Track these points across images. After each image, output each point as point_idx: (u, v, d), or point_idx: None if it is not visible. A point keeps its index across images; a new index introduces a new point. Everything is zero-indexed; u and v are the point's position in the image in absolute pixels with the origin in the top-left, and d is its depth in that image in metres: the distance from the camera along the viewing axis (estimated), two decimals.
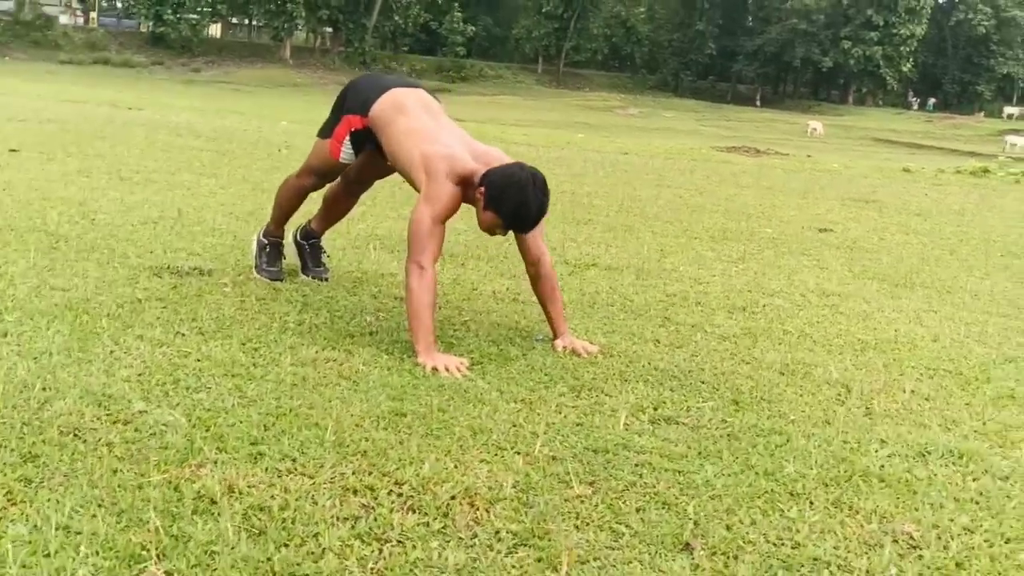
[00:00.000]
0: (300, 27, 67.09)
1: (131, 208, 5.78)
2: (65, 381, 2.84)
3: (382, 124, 3.84)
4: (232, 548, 2.01)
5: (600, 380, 3.42)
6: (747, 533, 2.32)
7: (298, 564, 1.98)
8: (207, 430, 2.59)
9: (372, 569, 2.00)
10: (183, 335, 3.44)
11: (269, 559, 1.98)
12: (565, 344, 3.81)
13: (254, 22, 69.46)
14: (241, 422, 2.66)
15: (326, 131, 4.09)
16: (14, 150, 8.11)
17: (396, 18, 67.06)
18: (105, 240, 4.81)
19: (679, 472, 2.65)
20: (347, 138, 3.97)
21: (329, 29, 67.99)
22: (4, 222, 4.98)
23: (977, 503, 2.62)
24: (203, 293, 4.04)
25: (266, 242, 4.48)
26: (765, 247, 6.77)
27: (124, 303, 3.74)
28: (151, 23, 62.83)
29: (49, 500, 2.12)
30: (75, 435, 2.47)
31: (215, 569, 1.93)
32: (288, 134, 12.15)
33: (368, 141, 3.94)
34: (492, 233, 3.71)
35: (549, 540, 2.19)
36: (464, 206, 3.75)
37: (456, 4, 67.64)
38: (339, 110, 4.05)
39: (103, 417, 2.61)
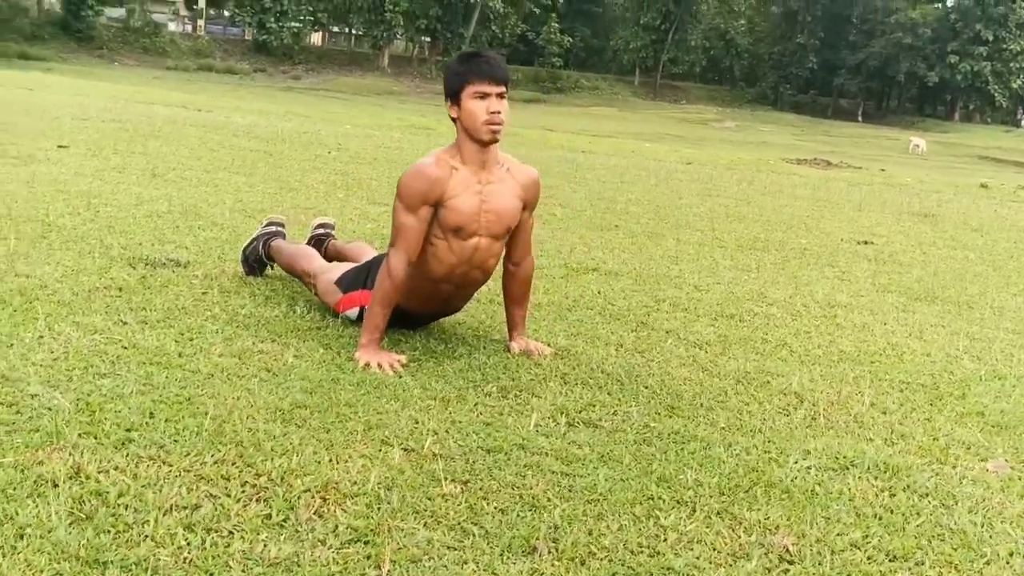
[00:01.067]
0: (399, 36, 67.92)
1: (143, 203, 5.85)
2: None
3: None
4: (47, 532, 1.97)
5: (537, 381, 3.33)
6: (606, 539, 2.21)
7: (108, 550, 1.94)
8: (90, 415, 2.56)
9: (184, 559, 1.95)
10: (124, 323, 3.44)
11: (80, 544, 1.94)
12: (519, 345, 3.72)
13: (354, 31, 70.45)
14: (128, 409, 2.64)
15: (343, 284, 3.87)
16: (63, 146, 8.30)
17: (493, 28, 67.43)
18: (97, 232, 4.86)
19: (566, 475, 2.55)
20: (358, 310, 3.76)
21: (427, 38, 68.65)
22: (5, 211, 5.07)
23: (879, 518, 2.47)
24: (168, 284, 4.05)
25: (262, 255, 4.39)
26: (791, 257, 6.58)
27: (81, 291, 3.76)
28: (255, 31, 64.22)
29: None
30: None
31: (18, 552, 1.90)
32: (345, 137, 12.26)
33: None
34: (494, 114, 3.40)
35: (387, 537, 2.11)
36: None
37: (554, 15, 67.76)
38: (364, 278, 3.80)
39: None
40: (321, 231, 4.48)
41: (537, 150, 13.68)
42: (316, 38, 73.50)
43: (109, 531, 2.01)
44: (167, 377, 2.94)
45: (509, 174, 3.61)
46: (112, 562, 1.91)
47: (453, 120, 3.50)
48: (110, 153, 8.20)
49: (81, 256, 4.35)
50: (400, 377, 3.22)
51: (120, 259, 4.37)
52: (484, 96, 3.40)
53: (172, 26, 67.58)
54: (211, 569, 1.93)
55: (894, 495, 2.65)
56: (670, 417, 3.12)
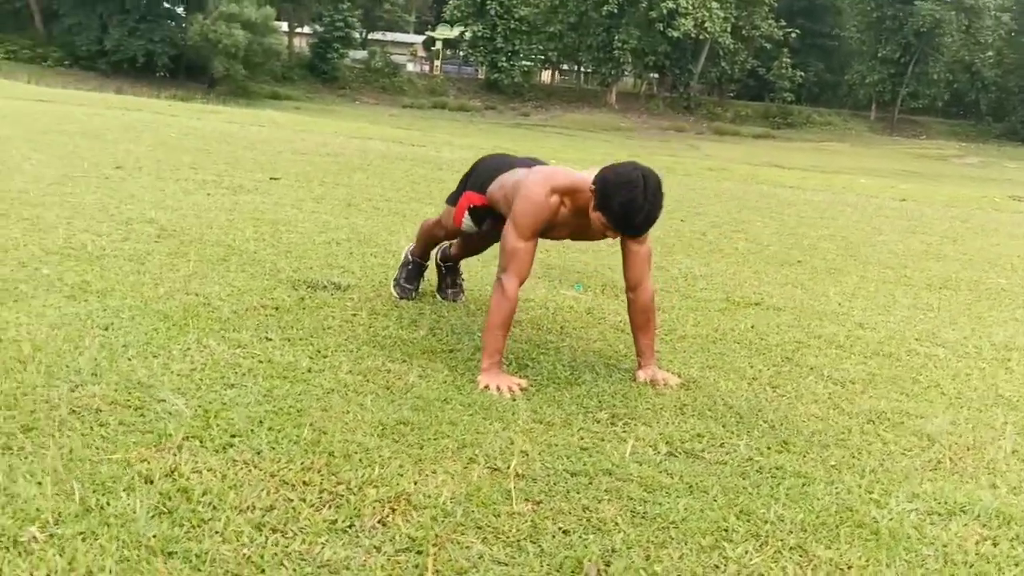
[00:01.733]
0: (627, 73, 68.30)
1: (327, 230, 6.17)
2: (116, 369, 3.12)
3: (497, 199, 3.94)
4: (128, 522, 2.15)
5: (652, 410, 3.33)
6: (660, 565, 2.21)
7: (177, 542, 2.10)
8: (204, 421, 2.76)
9: (244, 555, 2.08)
10: (268, 339, 3.66)
11: (154, 535, 2.11)
12: (646, 375, 3.72)
13: (583, 68, 71.35)
14: (240, 417, 2.82)
15: (451, 200, 4.25)
16: (275, 178, 8.83)
17: (723, 64, 66.82)
18: (273, 256, 5.16)
19: (644, 502, 2.55)
20: (467, 212, 4.09)
21: (655, 75, 68.71)
22: (199, 236, 5.47)
23: (970, 565, 2.35)
24: (323, 306, 4.27)
25: (411, 260, 4.67)
26: (982, 298, 6.24)
27: (239, 310, 4.03)
28: (487, 70, 66.15)
29: (5, 465, 2.36)
30: (78, 414, 2.72)
31: (96, 538, 2.08)
32: None
33: (489, 216, 4.06)
34: (603, 235, 3.61)
35: (440, 549, 2.18)
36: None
37: (785, 50, 66.46)
38: (463, 184, 4.21)
39: (120, 402, 2.85)
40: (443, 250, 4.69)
41: (741, 184, 13.50)
42: (546, 76, 74.90)
43: (183, 525, 2.17)
44: (288, 390, 3.12)
45: None
46: (176, 553, 2.06)
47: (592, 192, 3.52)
48: (315, 185, 8.66)
49: (252, 278, 4.64)
50: (514, 400, 3.28)
51: (286, 281, 4.63)
52: (608, 231, 3.54)
53: (410, 66, 70.48)
54: (264, 566, 2.05)
55: (996, 544, 2.51)
56: (780, 452, 3.05)
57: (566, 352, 3.99)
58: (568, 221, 3.69)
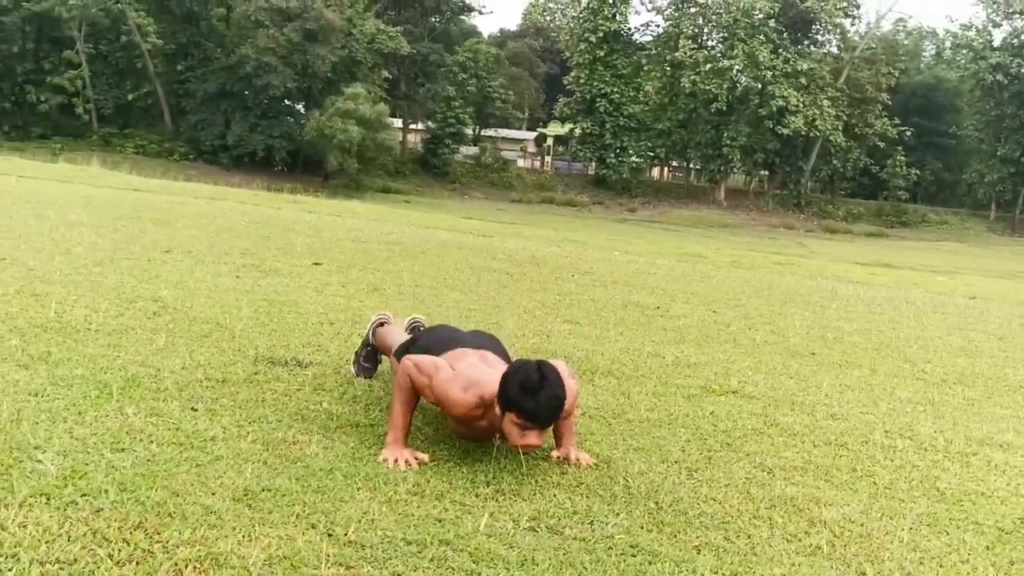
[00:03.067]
0: (736, 170, 68.18)
1: (329, 311, 6.32)
2: (14, 431, 3.26)
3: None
4: None
5: (538, 488, 3.34)
6: None
7: None
8: (64, 481, 2.87)
9: None
10: (193, 410, 3.78)
11: None
12: (561, 453, 3.74)
13: (692, 165, 71.50)
14: (108, 478, 2.92)
15: (399, 354, 4.24)
16: (317, 263, 9.08)
17: (835, 162, 66.25)
18: (255, 334, 5.31)
19: (463, 571, 2.56)
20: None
21: (765, 172, 68.44)
22: (194, 314, 5.66)
23: None
24: (271, 380, 4.38)
25: (372, 341, 4.75)
26: (994, 394, 6.05)
27: (184, 382, 4.17)
28: (595, 166, 66.89)
29: None
30: None
31: None
32: (600, 262, 12.50)
33: None
34: (525, 444, 3.46)
35: None
36: None
37: (900, 148, 65.60)
38: (408, 346, 4.24)
39: None
40: (415, 322, 4.72)
41: (802, 279, 13.33)
42: (655, 172, 75.28)
43: None
44: (173, 456, 3.22)
45: None
46: None
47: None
48: (354, 270, 8.88)
49: (219, 353, 4.78)
50: (403, 474, 3.32)
51: (250, 357, 4.76)
52: (526, 430, 3.44)
53: (520, 162, 71.73)
54: None
55: None
56: (649, 532, 3.03)
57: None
58: (476, 426, 3.68)
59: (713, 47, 65.62)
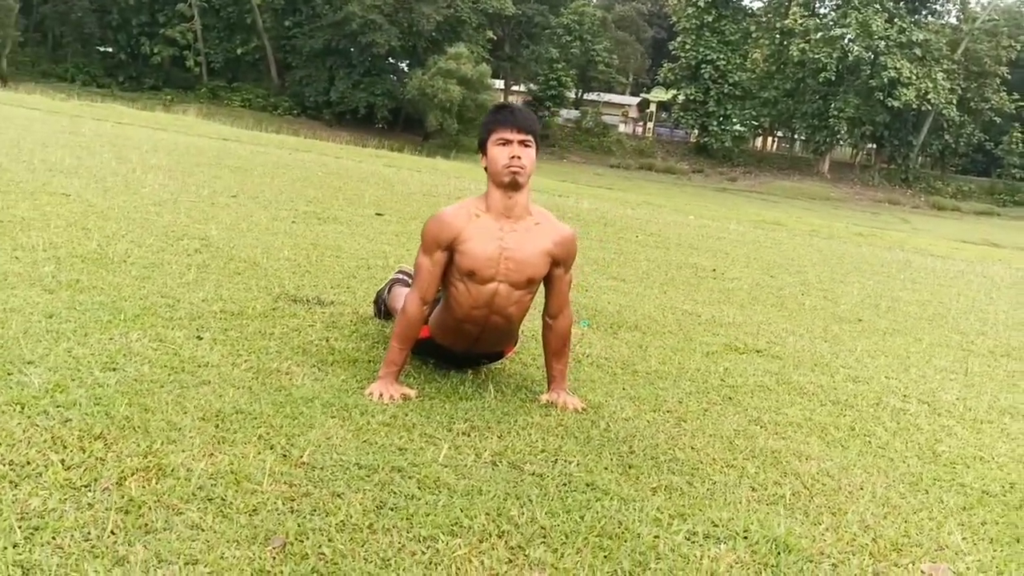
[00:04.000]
0: (842, 142, 66.58)
1: (370, 257, 6.42)
2: (12, 347, 3.40)
3: None
4: None
5: (513, 428, 3.36)
6: (344, 547, 2.27)
7: None
8: (44, 392, 3.00)
9: None
10: (198, 339, 3.89)
11: None
12: (550, 397, 3.76)
13: (797, 136, 70.08)
14: (85, 394, 3.04)
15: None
16: (379, 214, 9.21)
17: (947, 137, 64.18)
18: (287, 274, 5.42)
19: (403, 496, 2.62)
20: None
21: (872, 145, 66.75)
22: (234, 253, 5.80)
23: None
24: (284, 316, 4.48)
25: (385, 297, 4.76)
26: None
27: (198, 313, 4.28)
28: (697, 133, 66.06)
29: None
30: None
31: None
32: (670, 225, 12.40)
33: None
34: (512, 160, 3.53)
35: (150, 510, 2.32)
36: None
37: (1017, 124, 63.27)
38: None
39: None
40: (402, 276, 4.73)
41: (879, 251, 13.03)
42: (758, 142, 74.01)
43: None
44: (159, 377, 3.32)
45: (539, 227, 3.68)
46: None
47: (485, 170, 3.66)
48: (415, 222, 8.95)
49: (244, 290, 4.90)
50: (381, 408, 3.37)
51: (274, 295, 4.87)
52: (506, 143, 3.54)
53: (621, 127, 71.16)
54: None
55: (747, 568, 2.43)
56: (610, 472, 3.04)
57: (503, 374, 4.05)
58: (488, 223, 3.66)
59: (825, 15, 63.96)
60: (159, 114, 25.79)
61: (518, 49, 67.08)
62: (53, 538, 2.14)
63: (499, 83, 65.76)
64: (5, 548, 2.07)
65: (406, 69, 61.85)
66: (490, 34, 62.52)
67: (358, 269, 5.95)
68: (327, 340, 4.17)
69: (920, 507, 3.12)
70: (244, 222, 7.20)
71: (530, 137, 3.58)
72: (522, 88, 68.75)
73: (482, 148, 3.64)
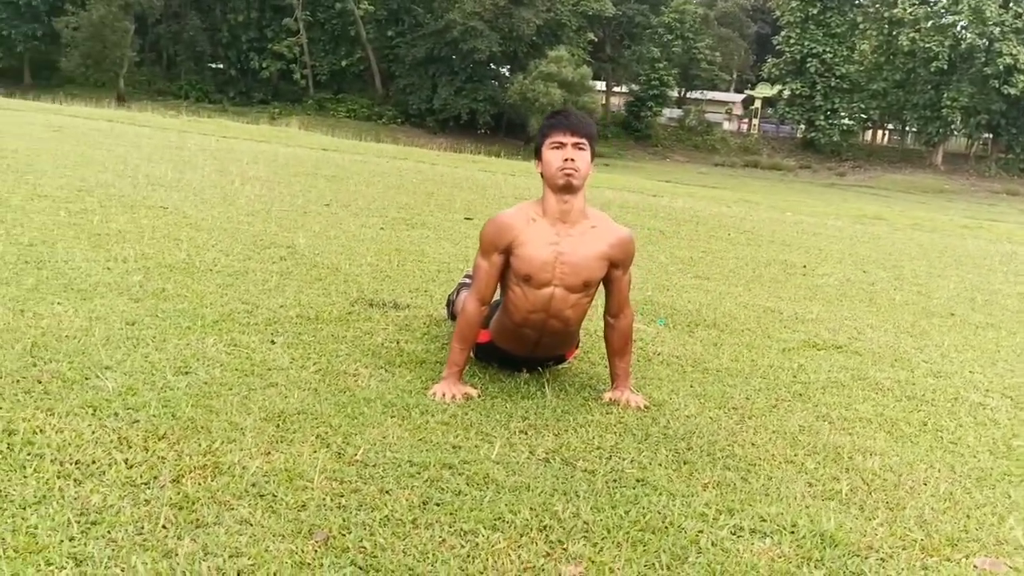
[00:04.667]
0: (956, 133, 64.66)
1: (453, 262, 6.51)
2: (93, 353, 3.56)
3: None
4: None
5: (573, 425, 3.40)
6: (382, 541, 2.34)
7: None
8: (117, 396, 3.14)
9: (32, 494, 2.42)
10: (272, 343, 4.02)
11: None
12: (613, 395, 3.78)
13: (908, 128, 68.33)
14: (156, 396, 3.18)
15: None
16: (468, 218, 9.31)
17: None
18: (367, 279, 5.55)
19: (451, 492, 2.68)
20: None
21: (988, 135, 64.65)
22: (317, 260, 5.95)
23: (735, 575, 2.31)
24: (360, 320, 4.59)
25: (454, 298, 4.83)
26: None
27: (275, 318, 4.42)
28: (804, 128, 64.94)
29: None
30: (22, 383, 3.17)
31: None
32: (765, 222, 12.24)
33: None
34: (566, 162, 3.58)
35: (203, 506, 2.43)
36: None
37: None
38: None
39: (65, 376, 3.27)
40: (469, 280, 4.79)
41: (985, 243, 12.67)
42: (867, 135, 72.38)
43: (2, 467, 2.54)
44: (228, 380, 3.44)
45: (595, 231, 3.71)
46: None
47: (542, 176, 3.70)
48: None
49: (322, 294, 5.03)
50: (441, 407, 3.44)
51: (351, 299, 4.99)
52: (560, 146, 3.58)
53: (726, 125, 70.41)
54: (41, 502, 2.36)
55: (791, 562, 2.43)
56: (664, 468, 3.06)
57: (567, 373, 4.09)
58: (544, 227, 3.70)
59: (936, 2, 62.28)
60: (263, 127, 26.43)
61: (619, 50, 66.94)
62: (108, 532, 2.25)
63: (600, 85, 65.66)
64: (61, 541, 2.18)
65: (507, 74, 62.18)
66: (591, 36, 62.55)
67: (438, 273, 6.04)
68: (397, 342, 4.25)
69: (984, 502, 3.05)
70: (333, 229, 7.36)
71: (584, 141, 3.61)
72: (623, 89, 68.52)
73: (537, 154, 3.69)
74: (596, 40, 63.67)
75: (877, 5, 64.27)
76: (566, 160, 3.57)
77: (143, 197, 7.90)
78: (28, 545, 2.14)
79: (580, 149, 3.59)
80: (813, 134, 63.89)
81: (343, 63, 62.48)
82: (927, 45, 58.81)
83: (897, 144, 70.67)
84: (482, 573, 2.25)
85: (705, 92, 72.31)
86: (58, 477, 2.50)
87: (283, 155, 14.69)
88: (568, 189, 3.61)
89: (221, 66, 63.71)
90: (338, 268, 5.78)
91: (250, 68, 62.30)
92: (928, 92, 61.03)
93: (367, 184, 11.62)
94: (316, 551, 2.27)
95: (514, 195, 12.34)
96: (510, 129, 60.34)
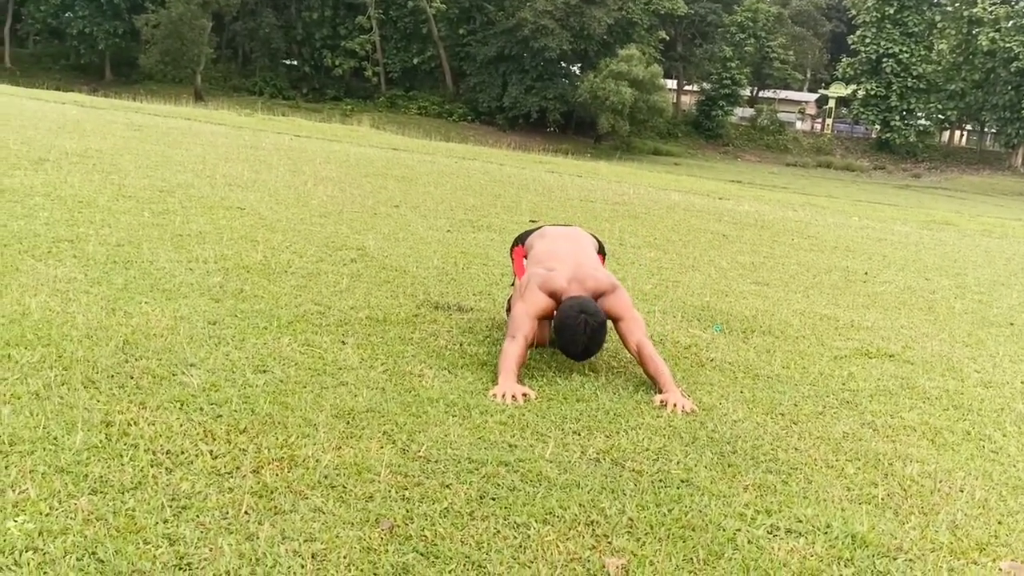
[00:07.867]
0: None
1: None
2: (178, 350, 3.84)
3: (528, 248, 4.71)
4: (61, 449, 2.82)
5: (626, 428, 3.59)
6: (444, 530, 2.56)
7: (83, 464, 2.74)
8: (202, 391, 3.41)
9: (126, 480, 2.68)
10: (343, 343, 4.26)
11: (77, 461, 2.76)
12: (662, 398, 3.97)
13: (987, 129, 67.10)
14: (237, 392, 3.44)
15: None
16: (534, 221, 9.50)
17: None
18: (433, 281, 5.79)
19: (505, 488, 2.89)
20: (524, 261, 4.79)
21: None
22: (386, 262, 6.20)
23: (768, 572, 2.50)
24: (427, 322, 4.82)
25: None
26: None
27: (346, 319, 4.67)
28: (878, 129, 64.11)
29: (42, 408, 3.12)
30: (115, 378, 3.45)
31: (33, 452, 2.77)
32: (828, 228, 12.27)
33: None
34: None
35: (282, 495, 2.67)
36: None
37: None
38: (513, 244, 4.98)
39: (153, 371, 3.54)
40: None
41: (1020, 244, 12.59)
42: (944, 136, 71.21)
43: (104, 458, 2.80)
44: (302, 379, 3.69)
45: None
46: (86, 475, 2.69)
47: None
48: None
49: (391, 296, 5.27)
50: (501, 408, 3.65)
51: (418, 301, 5.23)
52: None
53: (799, 124, 69.77)
54: (137, 488, 2.62)
55: (823, 560, 2.61)
56: (708, 470, 3.24)
57: (624, 375, 4.28)
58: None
59: (1017, 1, 61.11)
60: (335, 126, 26.86)
61: (690, 48, 66.66)
62: (197, 516, 2.50)
63: (671, 83, 65.46)
64: (156, 523, 2.43)
65: (577, 72, 62.27)
66: (662, 34, 62.35)
67: (501, 276, 6.25)
68: (460, 344, 4.48)
69: (1017, 509, 3.19)
70: (402, 231, 7.62)
71: None
72: (695, 88, 68.23)
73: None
74: (667, 38, 63.49)
75: (956, 4, 63.27)
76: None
77: (221, 198, 8.22)
78: (128, 526, 2.39)
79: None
80: (888, 135, 63.11)
81: (415, 61, 63.09)
82: (1007, 45, 57.78)
83: (975, 145, 69.44)
84: (532, 563, 2.46)
85: (778, 91, 71.77)
86: (151, 465, 2.76)
87: (354, 155, 15.02)
88: None
89: (295, 63, 64.68)
90: (406, 270, 6.02)
91: (323, 65, 63.20)
92: (1008, 93, 59.92)
93: (435, 185, 11.88)
94: (382, 538, 2.49)
95: (579, 197, 12.53)
96: (580, 127, 60.50)
